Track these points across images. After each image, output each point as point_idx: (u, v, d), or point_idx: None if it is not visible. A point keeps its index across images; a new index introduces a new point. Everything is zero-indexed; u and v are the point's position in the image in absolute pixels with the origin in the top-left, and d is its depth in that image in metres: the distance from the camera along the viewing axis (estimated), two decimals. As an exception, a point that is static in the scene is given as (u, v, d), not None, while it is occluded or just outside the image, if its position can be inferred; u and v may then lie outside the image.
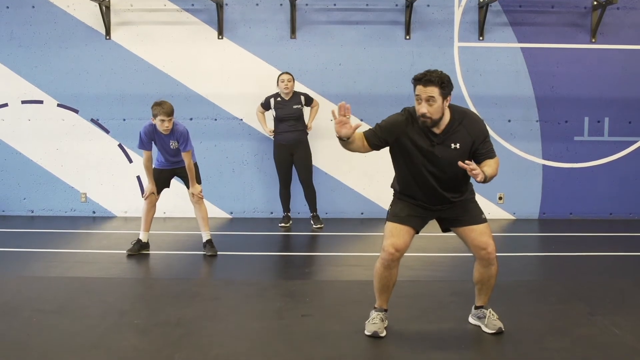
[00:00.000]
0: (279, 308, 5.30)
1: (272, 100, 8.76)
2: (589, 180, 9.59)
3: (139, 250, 7.15)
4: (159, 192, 7.19)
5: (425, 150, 4.46)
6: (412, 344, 4.46)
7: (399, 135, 4.49)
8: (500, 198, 9.57)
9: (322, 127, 9.02)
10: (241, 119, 9.44)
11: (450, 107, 4.47)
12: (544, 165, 9.55)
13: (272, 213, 9.49)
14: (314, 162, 8.93)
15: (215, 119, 9.42)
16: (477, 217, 4.69)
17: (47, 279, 6.09)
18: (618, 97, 9.47)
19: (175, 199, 8.67)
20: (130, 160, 9.47)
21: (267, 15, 9.40)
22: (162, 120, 6.71)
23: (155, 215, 7.34)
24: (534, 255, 7.68)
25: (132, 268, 6.70)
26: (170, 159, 7.07)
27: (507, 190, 9.57)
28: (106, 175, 9.56)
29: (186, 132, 6.88)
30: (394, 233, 4.62)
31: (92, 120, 9.46)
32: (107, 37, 9.37)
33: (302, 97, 8.79)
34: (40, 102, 9.42)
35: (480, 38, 9.41)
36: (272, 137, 8.87)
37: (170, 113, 6.71)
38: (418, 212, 4.69)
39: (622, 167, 9.59)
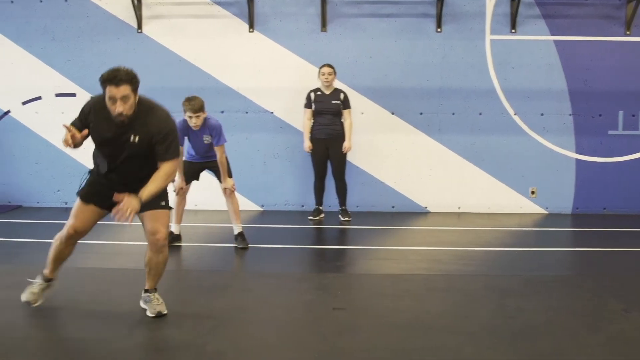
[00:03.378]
0: (310, 301, 5.30)
1: (312, 95, 8.75)
2: (623, 175, 9.46)
3: (171, 242, 7.15)
4: (187, 183, 7.22)
5: (108, 138, 4.57)
6: (442, 338, 4.44)
7: (88, 121, 4.64)
8: (532, 192, 9.49)
9: (352, 120, 8.98)
10: (272, 112, 9.44)
11: (139, 100, 4.56)
12: (577, 160, 9.43)
13: (303, 206, 9.49)
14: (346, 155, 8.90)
15: (247, 112, 9.44)
16: (155, 202, 4.69)
17: (81, 270, 6.14)
18: (653, 90, 9.34)
19: (207, 191, 8.69)
20: (162, 153, 9.51)
21: (298, 9, 9.39)
22: (190, 117, 6.74)
23: (186, 208, 7.38)
24: (567, 250, 7.62)
25: (164, 260, 6.73)
26: (202, 152, 7.10)
27: (540, 184, 9.48)
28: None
29: (219, 126, 6.89)
30: (77, 214, 4.81)
31: (125, 113, 9.52)
32: (139, 31, 9.42)
33: (342, 95, 8.76)
34: (74, 95, 9.51)
35: (513, 31, 9.32)
36: (309, 152, 8.87)
37: (197, 109, 6.72)
38: (105, 193, 4.71)
39: (657, 162, 9.46)
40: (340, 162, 8.82)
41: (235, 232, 7.23)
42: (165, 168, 4.57)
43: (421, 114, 9.43)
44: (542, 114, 9.36)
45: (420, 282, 5.81)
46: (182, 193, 7.18)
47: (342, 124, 8.77)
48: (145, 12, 9.41)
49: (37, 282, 4.99)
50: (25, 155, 9.64)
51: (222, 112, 9.32)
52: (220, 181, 7.16)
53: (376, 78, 9.38)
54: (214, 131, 6.87)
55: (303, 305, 5.21)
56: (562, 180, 9.48)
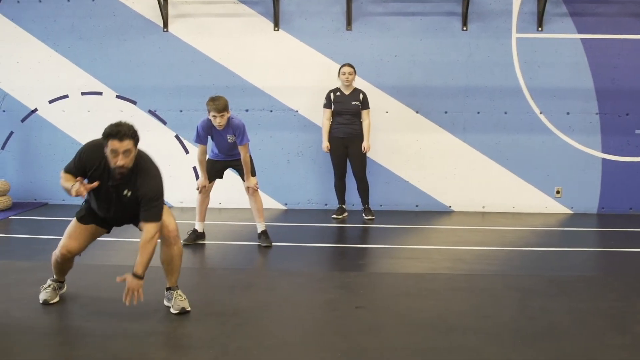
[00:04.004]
0: (333, 299, 5.31)
1: (332, 95, 8.75)
2: (650, 175, 9.37)
3: (195, 240, 7.23)
4: (211, 181, 7.25)
5: (104, 189, 4.72)
6: (465, 338, 4.43)
7: (86, 170, 4.75)
8: (558, 192, 9.41)
9: (376, 119, 8.97)
10: (296, 111, 9.46)
11: (138, 154, 4.73)
12: (603, 159, 9.34)
13: (326, 205, 9.50)
14: (368, 154, 8.88)
15: (271, 111, 9.46)
16: (148, 207, 4.78)
17: (105, 267, 6.20)
18: (681, 89, 9.23)
19: (230, 190, 8.73)
20: (187, 151, 9.58)
21: (323, 7, 9.39)
22: (214, 117, 6.75)
23: (210, 206, 7.42)
24: (593, 250, 7.55)
25: (188, 257, 6.74)
26: (226, 151, 7.12)
27: (565, 184, 9.40)
28: (163, 166, 9.52)
29: (242, 125, 6.91)
30: (72, 234, 4.97)
31: (150, 112, 9.60)
32: (165, 30, 9.48)
33: (361, 95, 8.75)
34: (100, 93, 9.59)
35: (539, 29, 9.25)
36: (327, 151, 8.88)
37: (221, 109, 6.73)
38: (100, 220, 5.03)
39: (685, 161, 9.35)
40: (360, 162, 8.81)
41: (259, 231, 7.25)
42: (147, 230, 4.71)
43: (446, 112, 9.39)
44: (568, 113, 9.28)
45: (443, 282, 5.79)
46: (205, 191, 7.21)
47: (361, 124, 8.76)
48: (171, 11, 9.46)
49: (49, 283, 5.15)
50: (52, 153, 9.73)
51: (247, 110, 9.35)
52: (243, 180, 7.18)
53: (401, 77, 9.35)
54: (237, 130, 6.89)
55: (326, 303, 5.22)
56: (587, 180, 9.39)
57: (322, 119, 8.88)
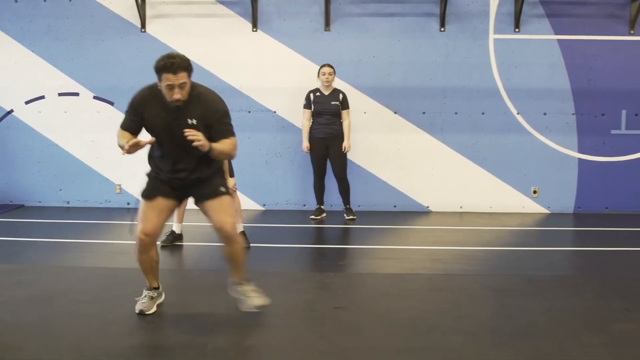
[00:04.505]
0: (311, 300, 5.30)
1: (311, 95, 8.76)
2: (625, 175, 9.44)
3: (173, 241, 7.20)
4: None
5: (165, 124, 4.56)
6: (444, 338, 4.44)
7: (142, 112, 4.62)
8: (535, 192, 9.48)
9: (354, 120, 8.98)
10: (274, 112, 9.45)
11: (191, 84, 4.55)
12: (579, 159, 9.42)
13: (304, 205, 9.49)
14: (347, 155, 8.90)
15: (249, 111, 9.44)
16: (215, 190, 4.72)
17: (82, 269, 6.16)
18: (657, 89, 9.33)
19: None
20: (165, 152, 9.53)
21: (302, 8, 9.39)
22: None
23: (188, 207, 7.36)
24: (569, 249, 7.61)
25: (165, 259, 6.72)
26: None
27: (542, 184, 9.47)
28: (141, 167, 9.57)
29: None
30: (144, 217, 4.72)
31: (127, 113, 9.54)
32: (143, 30, 9.44)
33: (341, 96, 8.77)
34: (77, 94, 9.53)
35: (516, 30, 9.31)
36: (307, 152, 8.87)
37: None
38: (167, 187, 4.77)
39: (661, 161, 9.45)
40: (340, 162, 8.82)
41: (238, 231, 7.22)
42: (229, 142, 4.62)
43: (424, 113, 9.42)
44: (544, 114, 9.35)
45: (422, 282, 5.80)
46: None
47: (341, 124, 8.78)
48: (149, 11, 9.42)
49: (144, 293, 4.93)
50: (28, 154, 9.66)
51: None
52: (222, 180, 7.15)
53: (379, 77, 9.37)
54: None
55: (304, 304, 5.21)
56: (564, 180, 9.46)
57: (301, 119, 8.88)
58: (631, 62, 9.30)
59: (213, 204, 4.70)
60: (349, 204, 8.93)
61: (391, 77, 9.39)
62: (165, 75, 4.40)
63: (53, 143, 9.60)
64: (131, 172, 9.62)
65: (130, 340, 4.38)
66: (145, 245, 4.75)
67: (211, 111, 4.58)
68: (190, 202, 7.31)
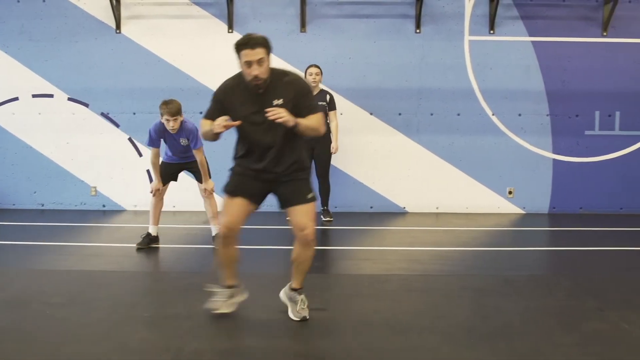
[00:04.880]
0: (288, 302, 5.30)
1: None
2: (599, 175, 9.55)
3: (149, 243, 7.16)
4: (165, 184, 7.19)
5: (251, 110, 4.56)
6: (420, 338, 4.45)
7: (223, 100, 4.67)
8: (510, 192, 9.55)
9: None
10: (251, 113, 9.42)
11: (271, 68, 4.55)
12: (554, 160, 9.51)
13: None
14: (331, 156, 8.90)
15: (225, 113, 9.40)
16: (302, 197, 4.72)
17: (57, 272, 6.11)
18: (629, 91, 9.43)
19: (185, 192, 8.67)
20: (140, 154, 9.49)
21: (278, 9, 9.39)
22: (167, 120, 6.71)
23: (164, 209, 7.36)
24: (544, 249, 7.66)
25: (141, 261, 6.72)
26: (179, 154, 7.08)
27: (517, 184, 9.54)
28: (116, 169, 9.58)
29: (195, 129, 6.87)
30: (227, 211, 4.75)
31: (103, 114, 9.49)
32: (118, 31, 9.38)
33: (328, 96, 8.76)
34: (51, 96, 9.45)
35: (491, 32, 9.38)
36: None
37: (175, 113, 6.69)
38: (252, 186, 4.77)
39: (633, 162, 9.54)
40: (325, 163, 8.84)
41: (214, 233, 7.22)
42: (315, 117, 4.61)
43: (400, 114, 9.46)
44: (519, 115, 9.43)
45: (398, 283, 5.82)
46: (159, 194, 7.15)
47: (328, 125, 8.78)
48: (123, 12, 9.37)
49: (219, 292, 4.94)
50: (2, 156, 9.57)
51: (201, 113, 9.19)
52: (199, 182, 7.14)
53: (355, 79, 9.40)
54: (191, 135, 6.86)
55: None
56: (539, 181, 9.54)
57: None
58: (604, 63, 9.41)
59: (300, 208, 4.71)
60: (327, 206, 8.94)
61: (367, 79, 9.42)
62: (243, 52, 4.42)
63: (27, 145, 9.52)
64: (107, 174, 9.59)
65: (105, 343, 4.35)
66: (228, 238, 4.80)
67: (295, 90, 4.57)
68: (166, 205, 7.34)
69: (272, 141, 4.60)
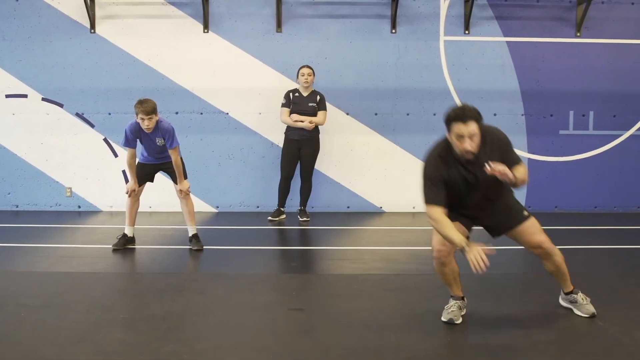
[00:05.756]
0: (266, 302, 5.29)
1: (291, 95, 8.75)
2: (574, 174, 9.63)
3: (125, 244, 7.12)
4: (141, 185, 7.15)
5: (466, 182, 4.56)
6: (398, 337, 4.47)
7: (445, 178, 4.60)
8: (486, 192, 9.59)
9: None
10: (227, 113, 9.41)
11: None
12: (529, 159, 9.57)
13: (258, 207, 9.48)
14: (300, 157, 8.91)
15: (201, 113, 9.39)
16: (519, 216, 4.78)
17: (33, 274, 6.06)
18: (603, 91, 9.52)
19: (161, 193, 8.64)
20: (116, 155, 9.43)
21: (253, 9, 9.37)
22: (142, 119, 6.67)
23: (140, 210, 7.32)
24: (520, 248, 7.68)
25: (117, 262, 6.68)
26: (155, 154, 7.04)
27: (493, 183, 9.58)
28: (91, 170, 9.51)
29: (171, 129, 6.84)
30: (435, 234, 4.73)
31: (77, 115, 9.41)
32: (92, 31, 9.31)
33: (318, 97, 8.78)
34: (25, 96, 9.36)
35: (466, 32, 9.43)
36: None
37: (149, 112, 6.65)
38: (464, 221, 4.79)
39: (607, 161, 9.63)
40: (310, 164, 8.86)
41: (190, 234, 7.19)
42: (522, 167, 4.59)
43: (376, 114, 9.48)
44: (495, 114, 9.47)
45: (376, 282, 5.84)
46: (134, 195, 7.11)
47: (316, 127, 8.79)
48: (98, 12, 9.30)
49: (452, 302, 4.84)
50: (-25, 157, 9.48)
51: (177, 113, 9.27)
52: (175, 183, 7.11)
53: (331, 79, 9.40)
54: (167, 134, 6.82)
55: (259, 306, 5.20)
56: (514, 180, 9.59)
57: (280, 117, 8.83)
58: (578, 64, 9.49)
59: (523, 229, 4.74)
60: (305, 206, 8.94)
61: (343, 79, 9.43)
62: (455, 125, 4.39)
63: (1, 146, 9.42)
64: (82, 175, 9.52)
65: (82, 345, 4.32)
66: (443, 257, 4.73)
67: (501, 148, 4.60)
68: (142, 205, 7.30)
69: (487, 200, 4.68)
